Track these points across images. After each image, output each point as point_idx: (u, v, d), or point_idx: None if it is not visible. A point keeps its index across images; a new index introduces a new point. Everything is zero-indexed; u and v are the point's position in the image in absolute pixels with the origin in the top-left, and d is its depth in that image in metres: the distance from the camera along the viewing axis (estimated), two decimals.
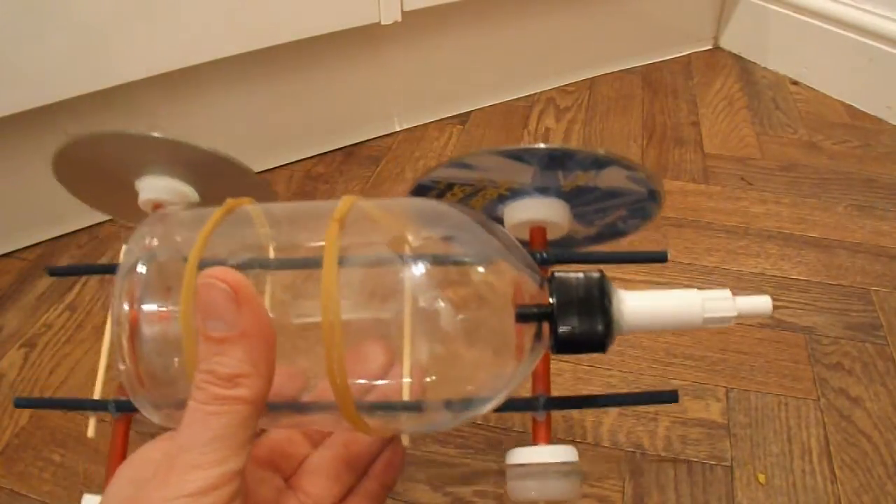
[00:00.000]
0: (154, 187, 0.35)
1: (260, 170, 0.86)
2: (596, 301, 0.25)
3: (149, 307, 0.24)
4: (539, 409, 0.30)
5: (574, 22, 1.01)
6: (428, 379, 0.24)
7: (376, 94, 0.91)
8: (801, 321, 0.66)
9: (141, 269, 0.24)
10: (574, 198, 0.33)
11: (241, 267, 0.24)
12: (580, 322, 0.24)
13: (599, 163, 0.30)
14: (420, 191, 0.34)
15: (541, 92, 1.05)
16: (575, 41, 1.04)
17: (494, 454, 0.54)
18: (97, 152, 0.35)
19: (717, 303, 0.25)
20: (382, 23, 0.80)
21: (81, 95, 0.66)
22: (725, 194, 0.83)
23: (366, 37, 0.83)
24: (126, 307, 0.23)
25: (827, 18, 1.02)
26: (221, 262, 0.24)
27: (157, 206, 0.35)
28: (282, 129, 0.87)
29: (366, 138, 0.93)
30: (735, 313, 0.25)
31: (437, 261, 0.24)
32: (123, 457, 0.32)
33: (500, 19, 0.94)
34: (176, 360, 0.24)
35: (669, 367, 0.61)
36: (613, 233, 0.37)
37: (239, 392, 0.20)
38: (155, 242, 0.25)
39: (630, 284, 0.70)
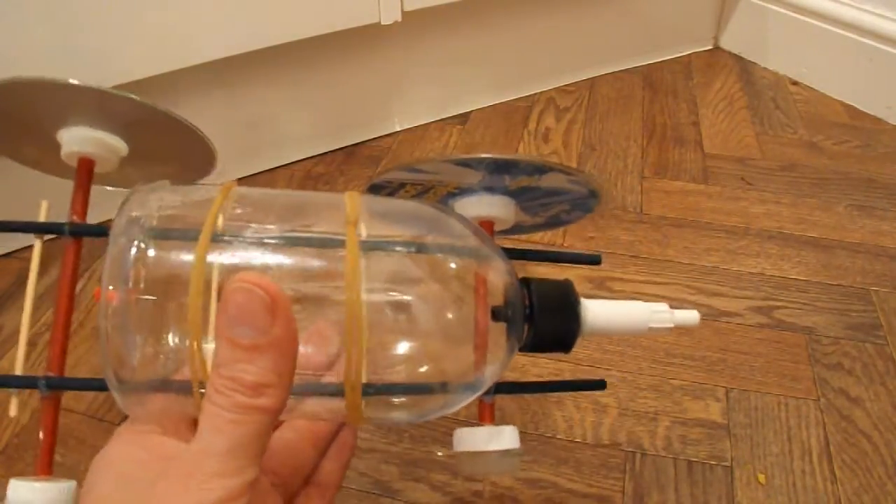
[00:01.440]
0: (78, 139, 0.32)
1: (260, 170, 0.86)
2: (571, 307, 0.28)
3: (135, 290, 0.23)
4: (489, 394, 0.32)
5: (574, 22, 1.01)
6: (420, 370, 0.24)
7: (376, 94, 0.91)
8: (801, 321, 0.66)
9: (130, 251, 0.23)
10: (519, 195, 0.35)
11: (250, 253, 0.24)
12: (558, 325, 0.27)
13: (541, 170, 0.32)
14: (373, 189, 0.35)
15: (541, 92, 1.05)
16: (575, 41, 1.04)
17: None
18: (12, 101, 0.32)
19: (660, 315, 0.29)
20: (382, 23, 0.80)
21: None
22: (725, 194, 0.83)
23: (366, 37, 0.83)
24: (111, 289, 0.23)
25: (827, 18, 1.03)
26: (229, 249, 0.24)
27: (83, 159, 0.32)
28: (282, 129, 0.87)
29: (366, 138, 0.93)
30: (672, 325, 0.29)
31: (422, 257, 0.25)
32: (54, 439, 0.31)
33: (500, 19, 0.94)
34: (159, 345, 0.23)
35: (669, 367, 0.61)
36: (557, 222, 0.40)
37: (262, 402, 0.20)
38: (146, 223, 0.24)
39: (632, 284, 0.70)
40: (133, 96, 0.30)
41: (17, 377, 0.30)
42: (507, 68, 1.00)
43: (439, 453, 0.30)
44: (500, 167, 0.32)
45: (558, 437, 0.56)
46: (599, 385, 0.33)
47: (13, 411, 0.30)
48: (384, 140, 0.93)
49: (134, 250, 0.23)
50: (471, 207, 0.34)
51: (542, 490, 0.52)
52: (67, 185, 0.33)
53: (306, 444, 0.28)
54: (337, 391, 0.23)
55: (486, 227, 0.35)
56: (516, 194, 0.35)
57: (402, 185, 0.35)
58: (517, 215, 0.36)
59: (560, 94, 1.05)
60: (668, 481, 0.52)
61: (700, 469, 0.53)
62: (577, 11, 1.00)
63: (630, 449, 0.55)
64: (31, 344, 0.64)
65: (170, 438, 0.24)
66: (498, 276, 0.26)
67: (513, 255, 0.32)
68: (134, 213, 0.24)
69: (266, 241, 0.25)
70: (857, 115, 1.00)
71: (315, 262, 0.25)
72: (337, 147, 0.91)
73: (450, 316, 0.25)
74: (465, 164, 0.31)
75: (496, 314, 0.26)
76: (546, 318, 0.27)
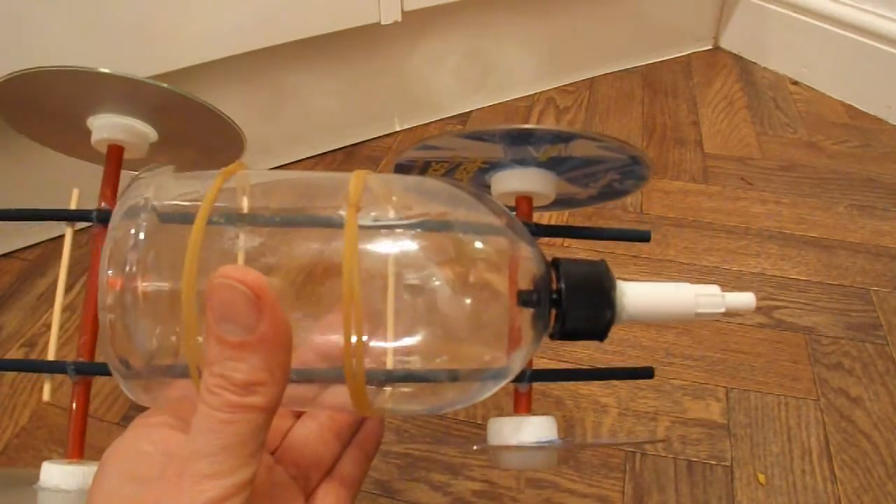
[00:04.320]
0: (107, 126, 0.32)
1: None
2: (604, 291, 0.25)
3: (136, 275, 0.22)
4: (524, 381, 0.31)
5: (574, 22, 1.01)
6: (438, 360, 0.24)
7: (376, 94, 0.91)
8: (801, 321, 0.66)
9: (132, 235, 0.23)
10: (555, 166, 0.33)
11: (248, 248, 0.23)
12: (589, 311, 0.25)
13: (562, 137, 0.30)
14: (399, 170, 0.34)
15: (541, 92, 1.05)
16: (575, 41, 1.04)
17: None
18: (43, 88, 0.32)
19: (709, 298, 0.26)
20: (382, 23, 0.80)
21: None
22: (725, 194, 0.83)
23: (366, 37, 0.83)
24: (112, 274, 0.22)
25: (827, 18, 1.03)
26: (230, 232, 0.23)
27: (113, 146, 0.32)
28: (282, 129, 0.87)
29: (366, 138, 0.93)
30: (723, 309, 0.26)
31: (442, 238, 0.24)
32: (84, 424, 0.30)
33: (499, 19, 0.94)
34: (162, 332, 0.23)
35: (669, 367, 0.61)
36: (614, 192, 0.36)
37: (253, 400, 0.20)
38: (147, 208, 0.23)
39: None
40: (160, 84, 0.30)
41: (48, 362, 0.31)
42: (507, 68, 1.00)
43: (474, 447, 0.29)
44: (516, 138, 0.30)
45: (559, 437, 0.56)
46: (647, 373, 0.30)
47: (46, 396, 0.31)
48: (384, 140, 0.93)
49: (135, 235, 0.23)
50: (504, 182, 0.32)
51: (542, 490, 0.52)
52: (99, 173, 0.33)
53: (329, 435, 0.27)
54: (337, 379, 0.22)
55: (525, 203, 0.32)
56: (551, 165, 0.32)
57: (429, 163, 0.33)
58: (565, 187, 0.34)
59: (560, 94, 1.04)
60: (668, 481, 0.52)
61: (700, 469, 0.53)
62: (577, 11, 1.00)
63: (630, 449, 0.55)
64: (31, 345, 0.64)
65: (177, 432, 0.24)
66: (523, 257, 0.25)
67: (551, 232, 0.30)
68: (136, 199, 0.23)
69: (267, 223, 0.24)
70: (857, 114, 1.00)
71: (316, 246, 0.24)
72: (337, 147, 0.91)
73: (469, 301, 0.23)
74: (476, 137, 0.30)
75: (522, 299, 0.24)
76: (576, 304, 0.25)
